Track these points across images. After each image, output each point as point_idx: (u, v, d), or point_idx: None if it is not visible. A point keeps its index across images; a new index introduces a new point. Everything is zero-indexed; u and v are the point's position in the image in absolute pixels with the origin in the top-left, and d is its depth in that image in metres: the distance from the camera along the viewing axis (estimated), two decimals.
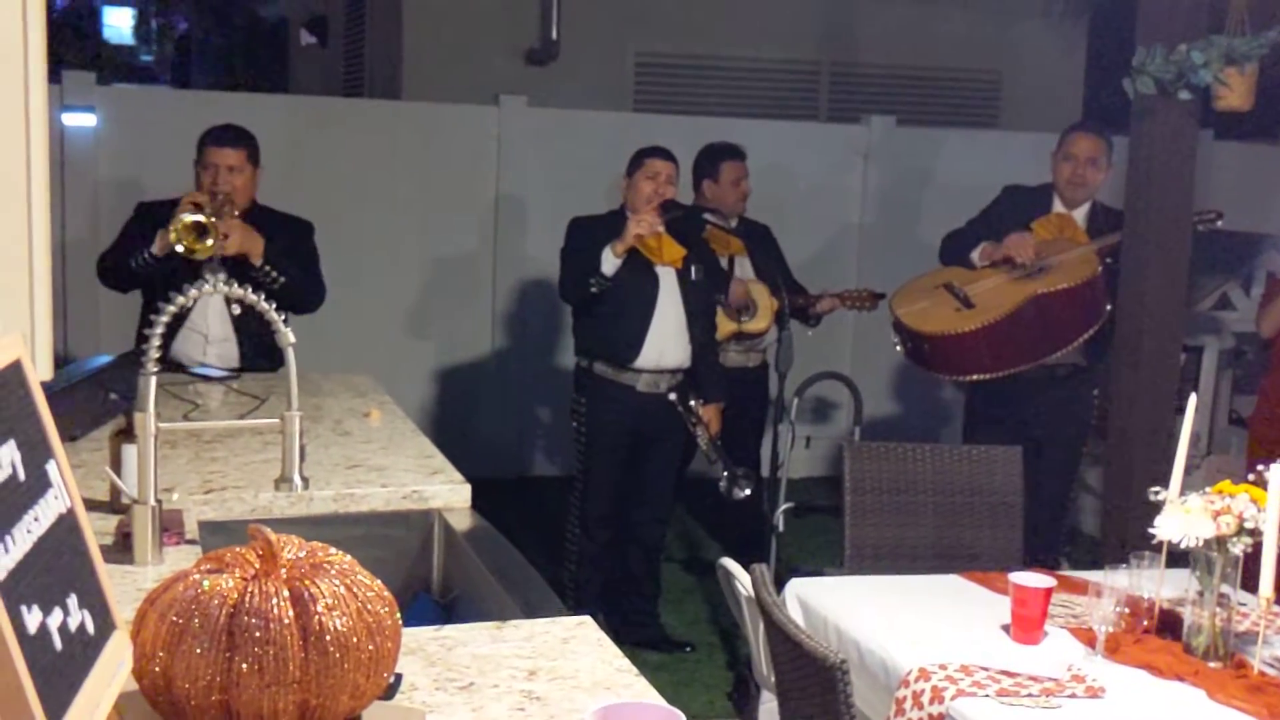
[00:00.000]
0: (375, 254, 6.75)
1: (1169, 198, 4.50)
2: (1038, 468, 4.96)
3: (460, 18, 7.80)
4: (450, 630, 2.17)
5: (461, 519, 2.97)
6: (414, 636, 2.12)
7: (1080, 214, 4.89)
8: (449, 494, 3.01)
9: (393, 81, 8.06)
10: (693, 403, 4.76)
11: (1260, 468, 2.64)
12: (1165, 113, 4.41)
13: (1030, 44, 8.51)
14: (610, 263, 4.50)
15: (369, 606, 1.49)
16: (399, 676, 1.94)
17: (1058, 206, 4.91)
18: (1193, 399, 2.96)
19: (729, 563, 3.34)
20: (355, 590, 1.49)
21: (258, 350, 4.27)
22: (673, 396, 4.71)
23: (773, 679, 2.92)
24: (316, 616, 1.42)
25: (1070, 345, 4.69)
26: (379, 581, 1.56)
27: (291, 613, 1.42)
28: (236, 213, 4.19)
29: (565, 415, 5.04)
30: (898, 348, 4.87)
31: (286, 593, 1.44)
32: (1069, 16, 8.46)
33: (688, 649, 4.91)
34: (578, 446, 4.82)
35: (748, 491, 4.75)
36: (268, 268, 4.18)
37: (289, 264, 4.24)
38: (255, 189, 4.39)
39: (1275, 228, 6.35)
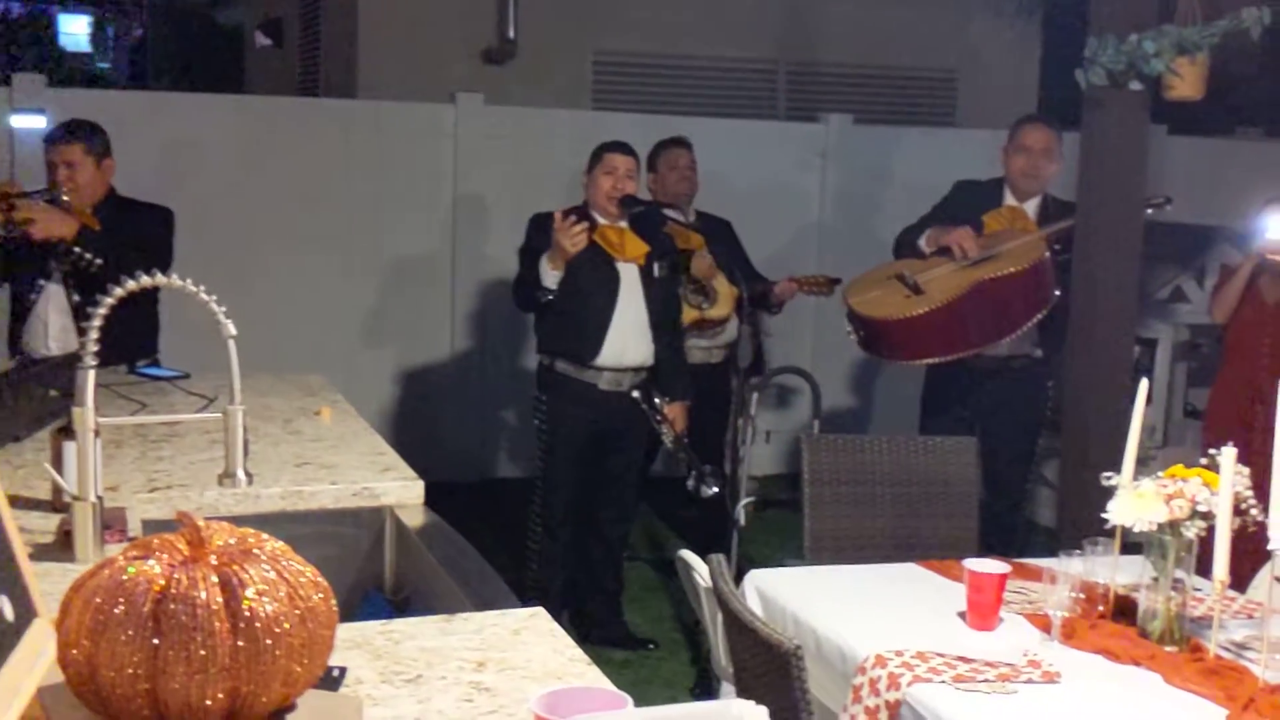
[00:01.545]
0: (331, 255, 6.70)
1: (1121, 188, 4.51)
2: (994, 459, 4.98)
3: (416, 17, 7.77)
4: (398, 624, 2.14)
5: (414, 516, 2.93)
6: (360, 630, 2.09)
7: (1031, 206, 4.91)
8: (401, 491, 2.97)
9: (348, 81, 8.01)
10: (657, 400, 4.73)
11: (1212, 451, 2.64)
12: (1117, 103, 4.43)
13: (986, 43, 8.55)
14: (550, 276, 4.47)
15: (301, 592, 1.46)
16: (343, 669, 1.91)
17: (1009, 199, 4.93)
18: (1144, 383, 2.96)
19: (688, 554, 3.32)
20: (287, 576, 1.45)
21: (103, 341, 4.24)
22: (636, 394, 4.69)
23: (731, 669, 2.90)
24: (246, 602, 1.39)
25: (1019, 329, 4.73)
26: (312, 567, 1.52)
27: (220, 599, 1.38)
28: (77, 206, 4.20)
29: (528, 416, 5.01)
30: (851, 336, 4.88)
31: (215, 579, 1.40)
32: (1024, 15, 8.50)
33: (651, 646, 4.89)
34: (540, 445, 4.78)
35: (716, 489, 4.73)
36: (79, 250, 4.14)
37: (131, 250, 4.12)
38: (108, 179, 4.40)
39: (1228, 220, 6.39)
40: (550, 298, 4.51)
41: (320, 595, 1.49)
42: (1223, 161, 7.72)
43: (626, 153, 4.63)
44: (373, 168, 6.76)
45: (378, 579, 2.96)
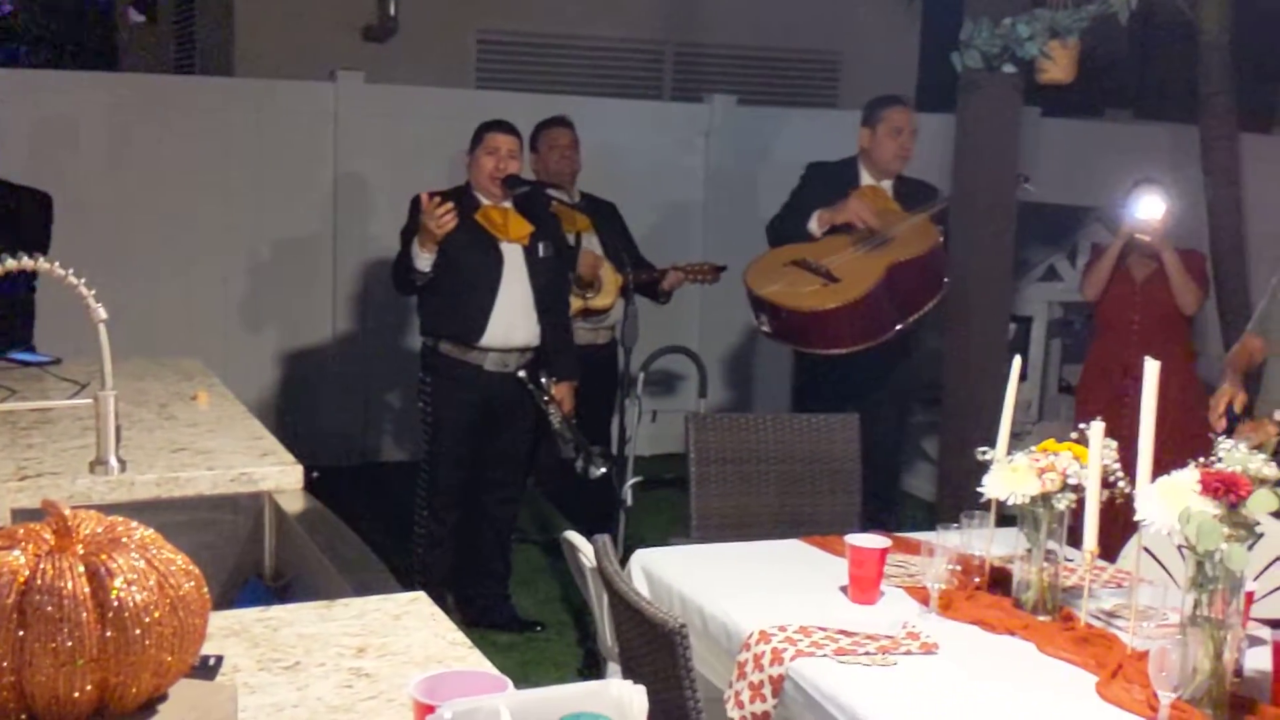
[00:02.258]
0: (208, 237, 6.56)
1: (995, 170, 4.62)
2: (867, 433, 5.05)
3: None
4: (277, 610, 2.11)
5: (293, 501, 2.89)
6: (238, 618, 2.06)
7: (888, 186, 4.98)
8: (280, 476, 2.93)
9: (225, 59, 7.84)
10: (544, 381, 4.71)
11: (1082, 425, 2.71)
12: (991, 86, 4.53)
13: (867, 26, 8.65)
14: (422, 259, 4.43)
15: (172, 580, 1.43)
16: (220, 658, 1.88)
17: (866, 179, 4.99)
18: (1016, 360, 3.03)
19: (573, 535, 3.32)
20: (157, 564, 1.42)
21: None
22: (523, 374, 4.66)
23: (617, 650, 2.91)
24: (114, 592, 1.36)
25: (920, 312, 4.79)
26: (184, 555, 1.49)
27: (87, 589, 1.35)
28: None
29: (413, 399, 4.95)
30: (764, 329, 4.87)
31: (81, 569, 1.37)
32: None
33: (539, 628, 4.88)
34: (425, 428, 4.74)
35: (604, 469, 4.74)
36: None
37: (4, 234, 4.04)
38: None
39: (1098, 201, 6.55)
40: (423, 280, 4.46)
41: (192, 583, 1.46)
42: (1094, 143, 7.91)
43: (509, 132, 4.59)
44: (251, 148, 6.62)
45: (257, 566, 2.91)
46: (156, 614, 1.38)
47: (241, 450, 3.04)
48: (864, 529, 3.42)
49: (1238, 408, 3.79)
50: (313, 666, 1.88)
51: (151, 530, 1.49)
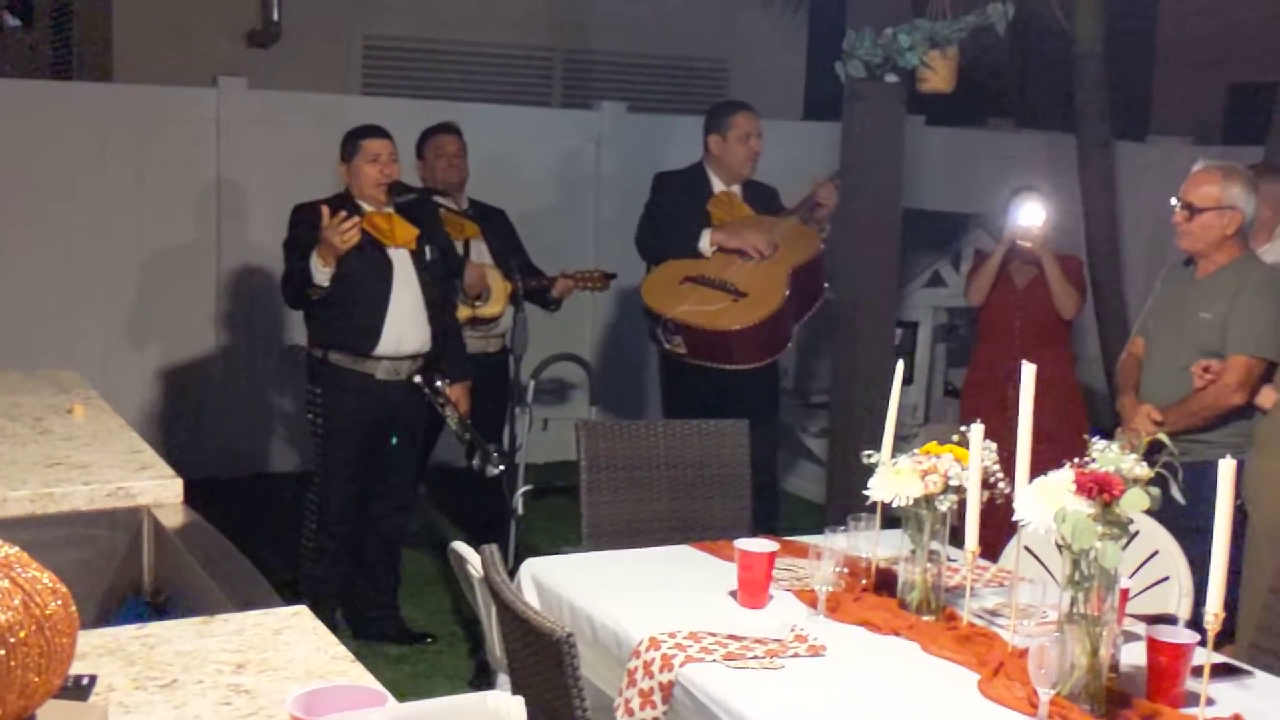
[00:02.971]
0: (88, 246, 6.40)
1: (880, 178, 4.69)
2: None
3: None
4: (153, 627, 2.06)
5: (173, 516, 2.82)
6: (113, 636, 2.01)
7: (737, 190, 5.04)
8: (159, 490, 2.86)
9: (103, 64, 7.65)
10: (439, 384, 4.67)
11: (963, 428, 2.76)
12: (875, 95, 4.59)
13: (755, 33, 8.74)
14: (322, 274, 4.35)
15: (38, 599, 1.38)
16: (93, 678, 1.83)
17: (717, 185, 5.04)
18: (900, 365, 3.08)
19: (460, 546, 3.29)
20: (21, 583, 1.38)
21: None
22: (418, 379, 4.62)
23: (506, 660, 2.89)
24: None
25: (811, 311, 4.83)
26: (50, 573, 1.45)
27: None
28: None
29: (300, 408, 4.87)
30: (678, 350, 4.82)
31: None
32: (791, 7, 8.72)
33: (429, 640, 4.83)
34: (315, 440, 4.65)
35: (501, 468, 4.71)
36: None
37: None
38: None
39: (981, 208, 6.69)
40: (320, 295, 4.39)
41: (59, 602, 1.42)
42: (976, 151, 8.07)
43: (384, 137, 4.54)
44: (131, 154, 6.47)
45: (136, 582, 2.84)
46: (22, 634, 1.34)
47: (119, 464, 2.97)
48: (755, 534, 3.44)
49: (1158, 417, 3.89)
50: (190, 684, 1.84)
51: (16, 548, 1.44)
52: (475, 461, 4.69)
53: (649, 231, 5.05)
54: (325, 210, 4.34)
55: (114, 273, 6.49)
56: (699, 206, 4.90)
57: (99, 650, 1.94)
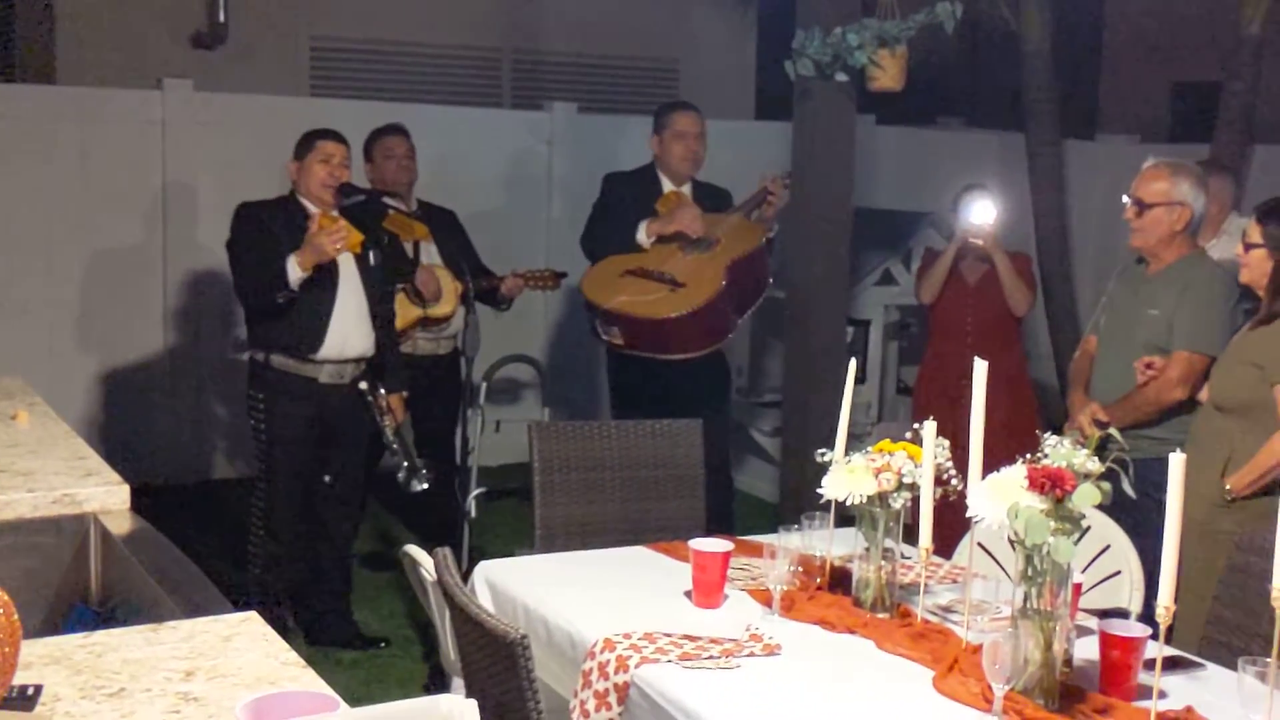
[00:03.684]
0: (30, 252, 6.30)
1: (830, 176, 4.70)
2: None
3: None
4: (100, 636, 2.02)
5: (120, 522, 2.78)
6: (59, 645, 1.97)
7: (686, 190, 5.07)
8: (105, 496, 2.81)
9: (47, 66, 7.54)
10: (380, 392, 4.64)
11: (916, 425, 2.77)
12: (824, 94, 4.60)
13: (705, 33, 8.75)
14: (296, 275, 4.32)
15: None
16: (39, 687, 1.80)
17: (667, 185, 5.07)
18: (852, 363, 3.08)
19: (413, 549, 3.27)
20: None
21: None
22: (364, 385, 4.58)
23: (460, 664, 2.87)
24: None
25: (754, 306, 4.85)
26: None
27: None
28: None
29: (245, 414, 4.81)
30: (615, 341, 4.85)
31: None
32: (741, 6, 8.74)
33: (383, 645, 4.79)
34: (258, 445, 4.60)
35: (426, 485, 4.70)
36: None
37: None
38: None
39: (930, 206, 6.72)
40: (288, 299, 4.35)
41: (1, 611, 1.38)
42: (926, 150, 8.11)
43: (339, 140, 4.52)
44: (75, 158, 6.39)
45: (82, 590, 2.79)
46: None
47: (64, 470, 2.92)
48: (709, 533, 3.43)
49: (1103, 417, 3.92)
50: (138, 692, 1.81)
51: None
52: (401, 475, 4.67)
53: (591, 230, 5.07)
54: (320, 215, 4.36)
55: (58, 277, 6.39)
56: (647, 206, 4.92)
57: (44, 659, 1.91)
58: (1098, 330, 4.24)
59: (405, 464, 4.64)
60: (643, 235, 4.90)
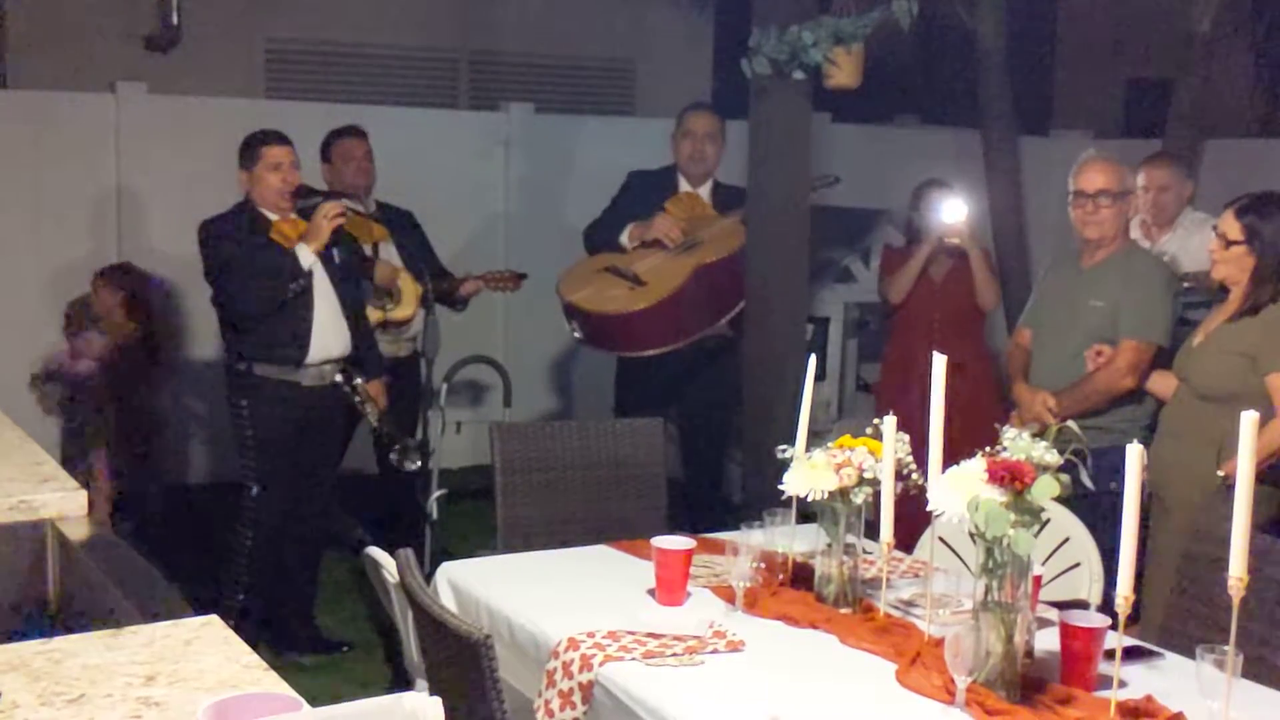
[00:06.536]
0: None
1: (787, 174, 4.71)
2: (691, 439, 5.12)
3: (70, 0, 7.30)
4: (59, 642, 2.00)
5: (78, 529, 2.75)
6: (17, 652, 1.95)
7: (704, 191, 5.11)
8: (62, 502, 2.79)
9: None
10: (358, 382, 4.63)
11: (876, 421, 2.78)
12: (781, 92, 4.62)
13: (661, 33, 8.75)
14: (309, 259, 4.35)
15: None
16: None
17: (684, 186, 5.11)
18: (811, 360, 3.09)
19: (375, 551, 3.26)
20: None
21: None
22: (339, 378, 4.57)
23: (424, 665, 2.86)
24: None
25: (733, 311, 4.90)
26: None
27: None
28: None
29: (215, 419, 4.78)
30: (576, 335, 4.92)
31: None
32: (697, 6, 8.75)
33: (345, 648, 4.77)
34: (247, 453, 4.52)
35: (419, 463, 4.73)
36: None
37: None
38: None
39: (888, 203, 6.75)
40: (303, 288, 4.37)
41: None
42: (883, 148, 8.14)
43: (283, 142, 4.47)
44: (26, 163, 6.31)
45: (40, 598, 2.76)
46: None
47: (21, 477, 2.89)
48: (671, 531, 3.43)
49: (1055, 406, 3.94)
50: (99, 698, 1.79)
51: None
52: (394, 456, 4.68)
53: (593, 224, 5.17)
54: (332, 204, 4.43)
55: (10, 284, 6.31)
56: (658, 203, 4.98)
57: (2, 666, 1.89)
58: (1032, 323, 4.28)
59: (397, 445, 4.66)
60: (625, 237, 4.98)
